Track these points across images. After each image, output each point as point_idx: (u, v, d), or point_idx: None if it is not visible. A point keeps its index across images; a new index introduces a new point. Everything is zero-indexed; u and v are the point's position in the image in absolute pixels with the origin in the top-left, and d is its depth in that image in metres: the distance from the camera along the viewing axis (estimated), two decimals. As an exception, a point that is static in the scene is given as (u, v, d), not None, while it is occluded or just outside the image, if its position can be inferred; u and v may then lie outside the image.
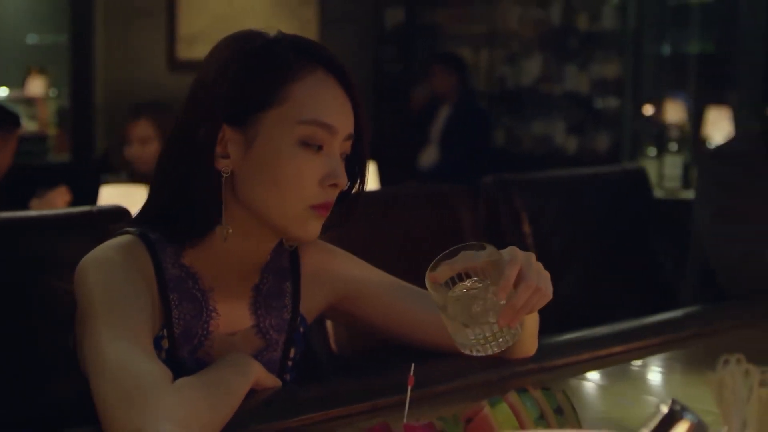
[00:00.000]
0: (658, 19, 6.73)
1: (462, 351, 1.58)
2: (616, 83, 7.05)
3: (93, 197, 3.94)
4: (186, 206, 1.59)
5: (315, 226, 1.60)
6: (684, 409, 1.04)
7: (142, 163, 4.41)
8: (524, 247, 2.85)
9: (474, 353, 1.57)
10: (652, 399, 1.74)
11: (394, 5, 7.91)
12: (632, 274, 3.14)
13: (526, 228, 3.02)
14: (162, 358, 1.55)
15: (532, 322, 1.72)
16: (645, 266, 3.19)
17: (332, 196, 1.60)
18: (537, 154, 7.33)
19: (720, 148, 2.91)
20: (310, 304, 1.76)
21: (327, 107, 1.59)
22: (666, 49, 6.74)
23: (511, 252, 1.55)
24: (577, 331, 2.08)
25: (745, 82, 6.68)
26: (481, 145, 6.79)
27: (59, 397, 1.83)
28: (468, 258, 1.55)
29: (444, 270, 1.55)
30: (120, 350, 1.43)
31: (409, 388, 1.39)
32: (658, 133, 6.55)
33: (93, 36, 6.72)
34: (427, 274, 1.54)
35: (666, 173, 5.67)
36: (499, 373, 1.78)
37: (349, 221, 1.69)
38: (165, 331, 1.58)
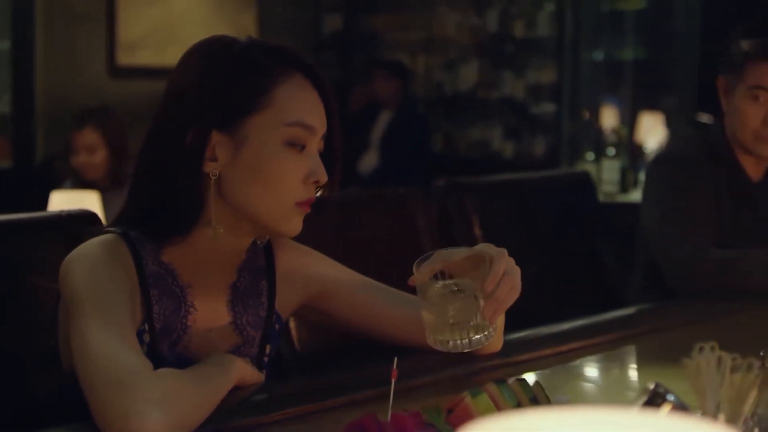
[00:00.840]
0: (593, 25, 6.85)
1: (439, 348, 1.65)
2: (552, 89, 7.16)
3: (39, 204, 3.93)
4: (171, 207, 1.65)
5: (298, 222, 1.68)
6: (667, 391, 1.11)
7: (88, 171, 4.41)
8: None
9: (451, 350, 1.64)
10: (618, 387, 1.82)
11: (332, 12, 7.97)
12: (579, 274, 3.22)
13: (477, 230, 3.08)
14: (144, 351, 1.60)
15: (500, 320, 1.80)
16: (591, 267, 3.27)
17: (314, 192, 1.68)
18: (474, 159, 7.42)
19: (665, 153, 3.01)
20: (285, 302, 1.83)
21: (307, 109, 1.67)
22: (601, 55, 6.86)
23: (491, 247, 1.64)
24: (535, 328, 2.15)
25: (679, 87, 6.83)
26: (421, 150, 6.88)
27: (32, 398, 1.87)
28: (447, 255, 1.63)
29: (425, 270, 1.63)
30: (106, 341, 1.48)
31: (393, 381, 1.46)
32: (595, 138, 6.67)
33: (34, 42, 6.70)
34: (414, 275, 1.62)
35: (604, 177, 5.78)
36: (468, 369, 1.85)
37: (323, 211, 1.75)
38: (146, 325, 1.64)
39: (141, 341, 1.62)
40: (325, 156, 1.72)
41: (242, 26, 7.43)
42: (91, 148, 4.40)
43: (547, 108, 7.23)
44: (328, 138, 1.72)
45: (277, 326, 1.81)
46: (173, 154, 1.64)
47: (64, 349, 1.66)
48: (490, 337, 1.64)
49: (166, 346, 1.66)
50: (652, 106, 6.62)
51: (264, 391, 1.64)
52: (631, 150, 6.15)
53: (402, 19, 7.91)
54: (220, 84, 1.63)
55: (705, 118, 6.62)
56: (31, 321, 1.93)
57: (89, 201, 3.74)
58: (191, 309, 1.69)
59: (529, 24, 7.28)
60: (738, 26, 2.82)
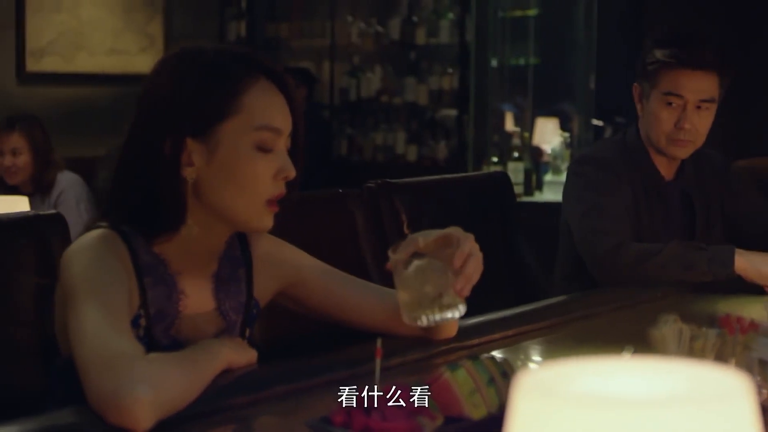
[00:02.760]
0: (494, 32, 7.05)
1: (415, 324, 1.82)
2: (454, 94, 7.36)
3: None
4: (154, 210, 1.78)
5: (270, 219, 1.83)
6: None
7: (12, 175, 4.48)
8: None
9: (426, 325, 1.81)
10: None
11: (236, 19, 8.07)
12: (503, 269, 3.40)
13: (406, 229, 3.24)
14: (140, 335, 1.75)
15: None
16: (514, 262, 3.45)
17: (283, 188, 1.82)
18: (379, 163, 7.59)
19: (586, 154, 3.21)
20: (263, 289, 1.98)
21: (274, 112, 1.82)
22: (501, 61, 7.06)
23: (459, 230, 1.83)
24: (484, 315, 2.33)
25: (575, 92, 7.09)
26: (325, 155, 7.06)
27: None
28: (421, 237, 1.82)
29: (402, 252, 1.81)
30: (101, 327, 1.62)
31: (378, 359, 1.61)
32: (499, 141, 6.89)
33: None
34: (390, 259, 1.79)
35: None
36: (428, 352, 2.01)
37: (290, 198, 1.89)
38: (142, 311, 1.78)
39: (138, 326, 1.76)
40: (291, 152, 1.87)
41: (150, 35, 7.50)
42: (17, 151, 4.47)
43: (450, 113, 7.43)
44: (294, 135, 1.86)
45: (255, 311, 1.96)
46: (152, 161, 1.78)
47: (61, 335, 1.79)
48: (462, 312, 1.82)
49: (161, 331, 1.80)
50: (550, 111, 6.85)
51: (251, 372, 1.78)
52: (532, 153, 6.37)
53: (306, 27, 8.04)
54: (192, 93, 1.78)
55: (599, 122, 6.90)
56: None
57: (21, 205, 3.81)
58: (182, 295, 1.83)
59: (431, 31, 7.47)
60: (649, 36, 3.03)
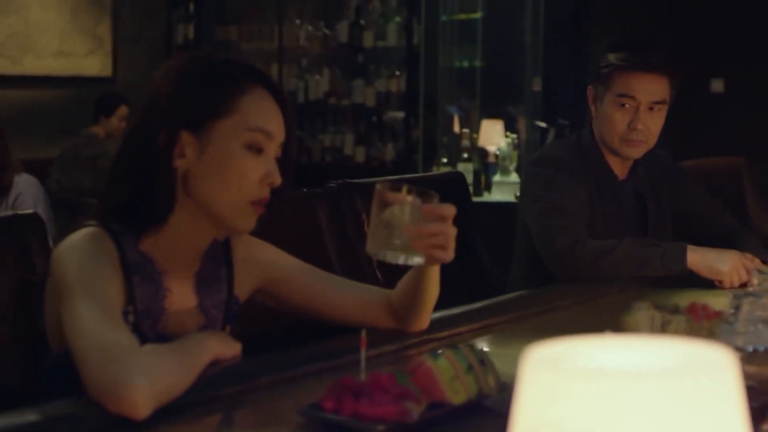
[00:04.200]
0: (442, 34, 7.15)
1: (374, 257, 1.93)
2: (401, 96, 7.44)
3: None
4: (145, 199, 1.86)
5: (251, 221, 1.91)
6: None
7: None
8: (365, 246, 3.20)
9: (380, 258, 1.92)
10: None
11: (184, 22, 8.10)
12: (460, 267, 3.48)
13: (367, 228, 3.32)
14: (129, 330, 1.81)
15: (430, 302, 2.08)
16: (471, 263, 3.54)
17: (268, 192, 1.90)
18: (327, 165, 7.65)
19: (542, 155, 3.31)
20: (242, 287, 2.06)
21: (268, 117, 1.90)
22: (448, 64, 7.15)
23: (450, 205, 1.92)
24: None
25: (521, 94, 7.21)
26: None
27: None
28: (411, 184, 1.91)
29: (385, 183, 1.93)
30: (97, 320, 1.69)
31: (363, 349, 1.70)
32: (448, 143, 6.98)
33: None
34: (377, 188, 1.89)
35: (459, 180, 6.06)
36: (402, 343, 2.10)
37: (276, 208, 1.97)
38: (130, 307, 1.84)
39: (126, 322, 1.82)
40: (282, 162, 1.95)
41: (98, 37, 7.51)
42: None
43: (397, 115, 7.51)
44: (285, 146, 1.95)
45: (235, 308, 2.03)
46: (147, 150, 1.86)
47: (51, 330, 1.85)
48: (418, 263, 1.90)
49: (148, 326, 1.87)
50: (496, 112, 6.95)
51: (237, 363, 1.85)
52: (479, 155, 6.46)
53: (254, 30, 8.09)
54: (194, 90, 1.87)
55: (543, 124, 7.02)
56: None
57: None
58: (167, 292, 1.90)
59: (378, 34, 7.55)
60: (601, 41, 3.15)
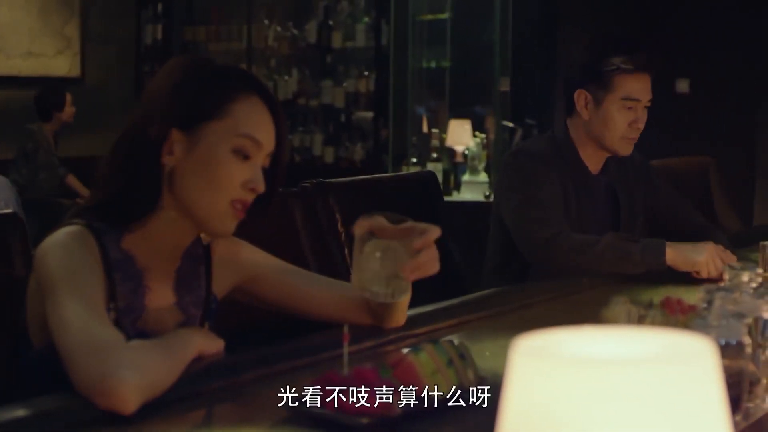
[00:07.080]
0: (410, 35, 7.18)
1: (361, 294, 1.96)
2: (370, 97, 7.48)
3: None
4: (132, 191, 1.89)
5: (231, 224, 1.95)
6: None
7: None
8: (339, 244, 3.26)
9: (372, 299, 1.95)
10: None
11: (153, 22, 8.10)
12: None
13: (341, 227, 3.36)
14: None
15: (406, 300, 2.12)
16: (443, 261, 3.57)
17: (250, 197, 1.93)
18: (296, 165, 7.67)
19: (519, 150, 3.35)
20: (221, 285, 2.09)
21: (259, 126, 1.94)
22: (417, 64, 7.18)
23: (427, 224, 1.96)
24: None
25: (488, 95, 7.25)
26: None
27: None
28: (387, 220, 1.95)
29: (363, 223, 1.95)
30: (82, 316, 1.72)
31: (346, 344, 1.73)
32: (418, 143, 7.02)
33: None
34: (355, 232, 1.92)
35: (429, 179, 6.10)
36: (380, 340, 2.14)
37: (262, 216, 2.01)
38: (112, 304, 1.87)
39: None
40: (270, 171, 1.98)
41: (66, 37, 7.50)
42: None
43: (366, 115, 7.54)
44: (275, 157, 1.98)
45: (213, 306, 2.06)
46: (137, 144, 1.90)
47: (34, 327, 1.87)
48: (400, 297, 1.95)
49: (129, 323, 1.89)
50: (465, 113, 6.99)
51: (220, 359, 1.88)
52: (448, 154, 6.51)
53: (222, 31, 8.11)
54: (190, 90, 1.90)
55: (509, 124, 7.07)
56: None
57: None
58: (147, 290, 1.93)
59: (347, 35, 7.58)
60: (597, 44, 3.19)
